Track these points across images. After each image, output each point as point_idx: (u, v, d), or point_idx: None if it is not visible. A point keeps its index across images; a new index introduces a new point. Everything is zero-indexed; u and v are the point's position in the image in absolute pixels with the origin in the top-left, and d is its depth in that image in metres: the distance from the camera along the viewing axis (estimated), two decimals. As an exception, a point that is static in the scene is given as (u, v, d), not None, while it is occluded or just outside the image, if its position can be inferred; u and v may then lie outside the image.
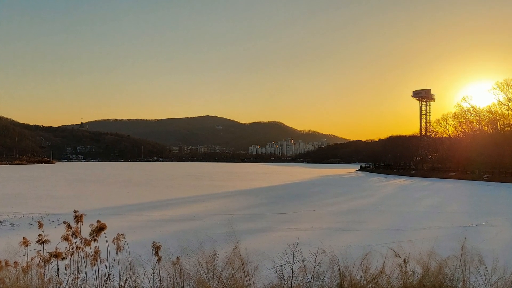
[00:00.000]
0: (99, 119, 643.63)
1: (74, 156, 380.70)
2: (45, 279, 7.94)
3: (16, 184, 71.01)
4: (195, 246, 8.53)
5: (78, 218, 9.10)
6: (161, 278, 7.73)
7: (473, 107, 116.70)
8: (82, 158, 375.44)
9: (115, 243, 8.54)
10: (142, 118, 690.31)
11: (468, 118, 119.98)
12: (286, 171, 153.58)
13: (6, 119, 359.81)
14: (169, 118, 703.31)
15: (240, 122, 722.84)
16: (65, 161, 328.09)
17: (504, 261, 7.74)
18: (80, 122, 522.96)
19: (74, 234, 8.92)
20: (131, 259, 8.02)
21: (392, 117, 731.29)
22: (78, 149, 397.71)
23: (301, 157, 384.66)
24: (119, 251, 8.37)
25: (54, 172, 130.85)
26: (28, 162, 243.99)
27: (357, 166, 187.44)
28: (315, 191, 58.59)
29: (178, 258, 7.82)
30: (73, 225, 8.91)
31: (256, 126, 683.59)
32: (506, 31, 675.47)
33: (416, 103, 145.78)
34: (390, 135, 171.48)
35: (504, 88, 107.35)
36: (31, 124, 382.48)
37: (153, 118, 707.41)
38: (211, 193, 54.26)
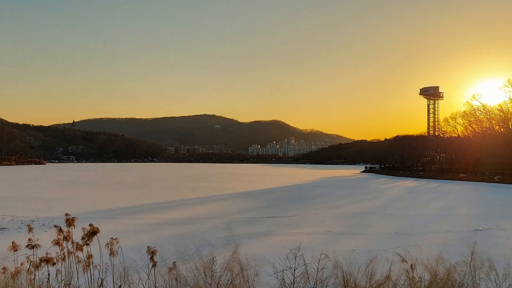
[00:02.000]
0: (92, 118, 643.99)
1: (65, 156, 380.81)
2: (35, 285, 7.95)
3: (5, 185, 71.01)
4: (192, 251, 8.54)
5: (70, 222, 9.11)
6: (157, 285, 7.75)
7: (483, 105, 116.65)
8: (74, 158, 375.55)
9: (109, 248, 8.56)
10: (136, 117, 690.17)
11: (478, 117, 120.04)
12: (287, 172, 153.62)
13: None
14: (165, 117, 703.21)
15: (240, 121, 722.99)
16: (56, 162, 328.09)
17: (516, 266, 7.73)
18: (71, 121, 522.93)
19: (65, 239, 8.93)
20: (125, 264, 8.03)
21: (399, 116, 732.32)
22: (70, 149, 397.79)
23: (303, 158, 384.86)
24: (113, 256, 8.38)
25: (45, 173, 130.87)
26: (17, 163, 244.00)
27: (362, 167, 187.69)
28: (317, 193, 58.62)
29: (174, 263, 7.83)
30: (65, 229, 8.92)
31: (256, 125, 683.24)
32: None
33: (423, 101, 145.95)
34: (397, 134, 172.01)
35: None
36: (20, 123, 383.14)
37: (148, 117, 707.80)
38: (209, 195, 54.26)
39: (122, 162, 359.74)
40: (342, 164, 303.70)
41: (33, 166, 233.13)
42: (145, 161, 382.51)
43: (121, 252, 8.48)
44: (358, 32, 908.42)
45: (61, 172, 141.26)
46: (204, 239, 21.28)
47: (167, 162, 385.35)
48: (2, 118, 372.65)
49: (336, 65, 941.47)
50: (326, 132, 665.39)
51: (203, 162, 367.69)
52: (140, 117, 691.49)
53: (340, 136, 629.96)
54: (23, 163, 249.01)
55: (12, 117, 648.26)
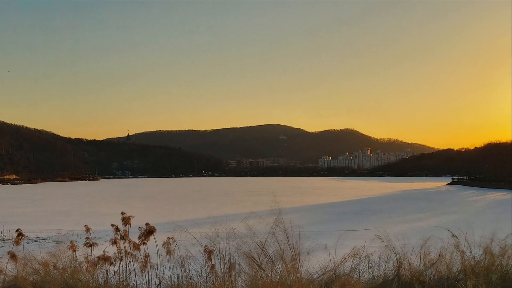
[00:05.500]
0: (147, 130, 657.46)
1: (120, 172, 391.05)
2: (94, 284, 8.88)
3: (59, 201, 74.72)
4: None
5: (126, 221, 10.09)
6: (216, 283, 8.49)
7: None
8: (129, 174, 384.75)
9: (165, 247, 9.43)
10: (194, 129, 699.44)
11: None
12: (362, 185, 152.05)
13: (47, 132, 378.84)
14: (225, 128, 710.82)
15: (307, 130, 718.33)
16: (111, 178, 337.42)
17: None
18: (126, 135, 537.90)
19: (122, 238, 9.87)
20: (182, 264, 8.82)
21: (492, 122, 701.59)
22: (125, 164, 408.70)
23: (381, 170, 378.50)
24: (170, 255, 9.23)
25: (100, 189, 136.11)
26: (71, 179, 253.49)
27: (448, 179, 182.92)
28: (394, 206, 58.13)
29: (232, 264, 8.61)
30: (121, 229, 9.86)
31: (327, 135, 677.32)
32: None
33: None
34: (488, 142, 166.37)
35: None
36: (73, 137, 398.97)
37: (207, 129, 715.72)
38: (273, 209, 54.85)
39: (180, 176, 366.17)
40: (426, 176, 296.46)
41: (88, 182, 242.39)
42: (205, 176, 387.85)
43: (178, 251, 9.33)
44: (450, 25, 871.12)
45: (116, 188, 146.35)
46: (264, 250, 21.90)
47: (228, 176, 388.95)
48: (55, 132, 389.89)
49: (417, 65, 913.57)
50: (406, 141, 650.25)
51: (268, 176, 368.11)
52: (198, 129, 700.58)
53: (423, 145, 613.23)
54: (77, 179, 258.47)
55: (65, 132, 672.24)
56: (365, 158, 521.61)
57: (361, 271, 8.51)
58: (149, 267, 9.26)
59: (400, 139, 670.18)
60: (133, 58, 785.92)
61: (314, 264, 8.43)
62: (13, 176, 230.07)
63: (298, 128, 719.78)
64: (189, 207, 58.87)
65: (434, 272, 7.45)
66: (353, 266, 8.03)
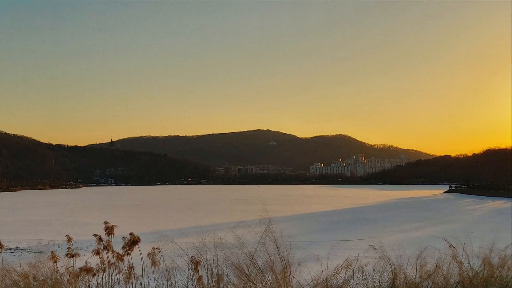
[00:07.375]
0: (132, 136, 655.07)
1: (103, 179, 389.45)
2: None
3: (40, 210, 74.29)
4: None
5: (109, 230, 10.04)
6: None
7: None
8: (113, 181, 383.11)
9: (150, 258, 9.40)
10: (181, 134, 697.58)
11: None
12: (355, 193, 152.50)
13: (27, 138, 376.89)
14: (212, 134, 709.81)
15: (299, 136, 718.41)
16: (94, 185, 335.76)
17: None
18: (109, 141, 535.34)
19: (105, 248, 9.84)
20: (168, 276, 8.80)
21: (491, 127, 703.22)
22: (108, 171, 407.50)
23: (375, 177, 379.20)
24: (155, 267, 9.19)
25: (82, 197, 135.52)
26: (52, 186, 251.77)
27: (446, 187, 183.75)
28: (389, 215, 58.30)
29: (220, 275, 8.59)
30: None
31: (318, 140, 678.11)
32: None
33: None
34: (487, 148, 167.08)
35: None
36: (54, 143, 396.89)
37: (194, 134, 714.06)
38: (263, 218, 54.88)
39: (166, 184, 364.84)
40: (422, 183, 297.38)
41: (69, 190, 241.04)
42: (191, 183, 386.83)
43: (163, 262, 9.31)
44: (447, 26, 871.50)
45: (99, 196, 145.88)
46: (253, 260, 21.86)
47: (216, 184, 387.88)
48: (35, 138, 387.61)
49: (413, 69, 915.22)
50: (402, 148, 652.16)
51: (258, 184, 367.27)
52: (185, 135, 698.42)
53: (419, 151, 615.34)
54: (58, 187, 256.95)
55: (45, 138, 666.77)
56: (358, 165, 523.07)
57: (355, 283, 8.52)
58: (133, 278, 9.23)
59: (395, 145, 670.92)
60: (116, 61, 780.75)
61: (306, 275, 8.44)
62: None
63: (289, 134, 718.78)
64: (175, 216, 58.78)
65: (431, 284, 7.49)
66: (346, 277, 8.03)
